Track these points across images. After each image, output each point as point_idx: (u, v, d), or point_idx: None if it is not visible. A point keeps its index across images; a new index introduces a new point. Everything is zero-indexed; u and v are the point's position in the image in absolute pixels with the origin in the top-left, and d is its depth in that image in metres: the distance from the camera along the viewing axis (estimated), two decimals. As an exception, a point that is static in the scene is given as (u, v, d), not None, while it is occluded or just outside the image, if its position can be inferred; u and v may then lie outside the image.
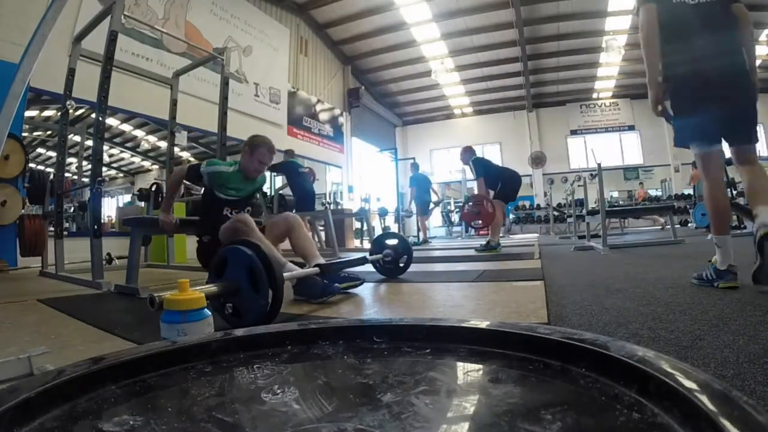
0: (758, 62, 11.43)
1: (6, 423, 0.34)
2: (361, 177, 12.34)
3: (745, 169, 1.73)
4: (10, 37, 4.11)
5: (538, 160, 14.12)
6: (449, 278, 2.58)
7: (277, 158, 8.81)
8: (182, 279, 0.96)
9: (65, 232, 3.28)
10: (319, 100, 10.47)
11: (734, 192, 6.93)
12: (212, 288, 1.26)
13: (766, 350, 0.87)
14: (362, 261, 2.27)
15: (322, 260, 2.01)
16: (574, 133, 14.09)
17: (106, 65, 2.45)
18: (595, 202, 4.93)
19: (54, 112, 6.75)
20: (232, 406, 0.41)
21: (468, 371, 0.48)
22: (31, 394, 0.37)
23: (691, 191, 10.06)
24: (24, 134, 5.03)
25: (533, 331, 0.48)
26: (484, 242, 4.72)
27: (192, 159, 10.63)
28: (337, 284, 1.88)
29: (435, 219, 12.59)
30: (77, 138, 6.09)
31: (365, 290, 2.09)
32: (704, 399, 0.29)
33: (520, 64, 11.51)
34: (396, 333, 0.56)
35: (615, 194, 13.30)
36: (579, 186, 6.15)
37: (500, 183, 4.67)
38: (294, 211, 5.62)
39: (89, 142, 4.84)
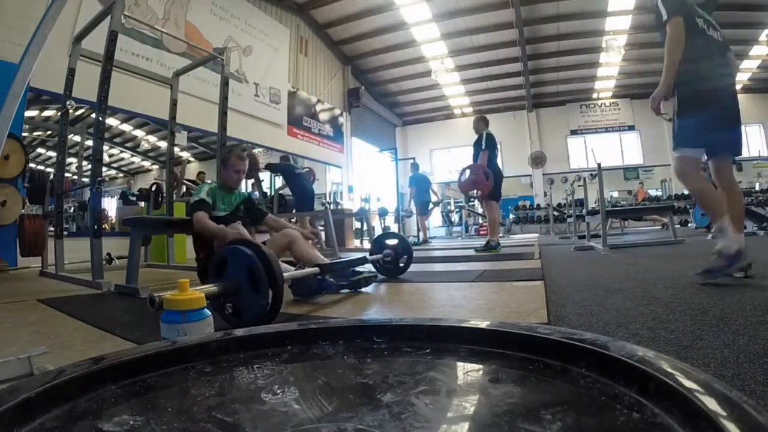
0: (758, 63, 11.51)
1: (6, 423, 0.33)
2: (361, 177, 12.34)
3: (728, 188, 1.95)
4: (10, 37, 4.11)
5: (538, 160, 14.12)
6: (449, 278, 2.58)
7: (276, 158, 8.80)
8: (182, 279, 0.96)
9: (65, 232, 3.28)
10: (319, 100, 10.47)
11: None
12: (212, 288, 1.26)
13: (766, 350, 0.87)
14: (362, 261, 2.27)
15: (325, 260, 2.03)
16: (574, 133, 14.09)
17: (106, 65, 2.45)
18: (595, 202, 4.93)
19: (54, 112, 6.74)
20: (232, 406, 0.41)
21: (468, 371, 0.48)
22: (31, 394, 0.37)
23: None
24: (24, 134, 5.04)
25: (533, 331, 0.48)
26: (484, 242, 4.72)
27: (192, 159, 10.65)
28: (339, 282, 1.89)
29: (435, 219, 12.59)
30: (77, 138, 6.08)
31: (365, 290, 2.09)
32: (704, 399, 0.29)
33: (520, 64, 11.51)
34: (396, 333, 0.56)
35: (615, 194, 13.30)
36: (579, 186, 6.15)
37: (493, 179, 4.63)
38: (294, 211, 5.63)
39: (89, 142, 4.84)
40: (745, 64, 11.72)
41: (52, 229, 3.65)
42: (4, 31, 4.21)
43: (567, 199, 8.56)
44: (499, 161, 4.90)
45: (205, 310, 0.97)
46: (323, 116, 10.57)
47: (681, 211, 10.60)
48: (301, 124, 9.59)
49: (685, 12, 1.87)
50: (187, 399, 0.43)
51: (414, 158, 9.88)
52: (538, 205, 13.64)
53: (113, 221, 8.79)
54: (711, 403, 0.28)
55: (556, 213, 10.38)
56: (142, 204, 6.02)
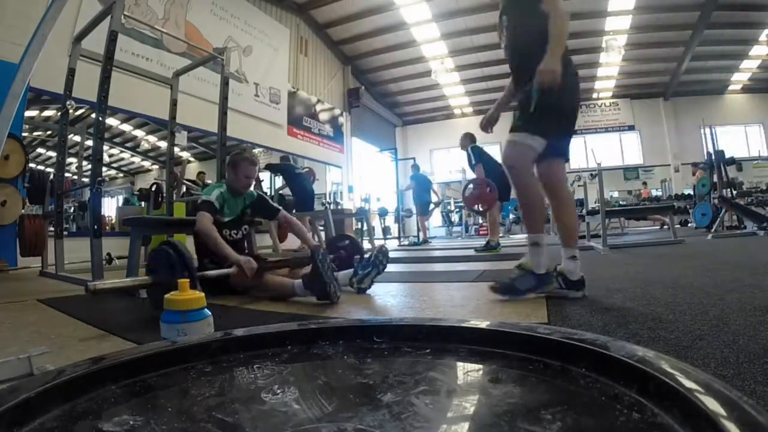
0: (758, 63, 11.52)
1: (6, 423, 0.34)
2: (361, 177, 12.34)
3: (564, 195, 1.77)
4: (10, 37, 4.11)
5: (538, 160, 14.11)
6: (449, 278, 2.58)
7: (276, 158, 8.80)
8: (182, 279, 0.96)
9: (65, 232, 3.28)
10: (319, 100, 10.47)
11: (734, 192, 6.95)
12: (146, 279, 1.62)
13: (766, 350, 0.87)
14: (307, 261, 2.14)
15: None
16: (574, 133, 14.08)
17: (106, 65, 2.45)
18: (596, 202, 4.93)
19: (54, 112, 6.74)
20: (232, 406, 0.41)
21: (468, 371, 0.48)
22: (31, 394, 0.37)
23: (690, 191, 10.07)
24: (24, 134, 5.03)
25: (533, 331, 0.48)
26: (484, 242, 4.72)
27: (192, 159, 10.65)
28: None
29: (435, 219, 12.59)
30: (77, 138, 6.08)
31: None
32: (704, 399, 0.29)
33: (520, 64, 11.50)
34: (396, 333, 0.56)
35: (615, 194, 13.30)
36: (579, 186, 6.15)
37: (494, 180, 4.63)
38: (294, 210, 5.63)
39: (89, 142, 4.84)
40: (745, 64, 11.72)
41: (52, 229, 3.65)
42: (4, 31, 4.21)
43: (567, 199, 8.54)
44: (498, 164, 4.90)
45: (205, 310, 0.97)
46: (323, 116, 10.57)
47: (681, 211, 10.60)
48: (301, 124, 9.59)
49: None
50: (187, 399, 0.43)
51: (414, 158, 9.89)
52: (538, 205, 13.62)
53: (113, 221, 8.80)
54: (711, 403, 0.28)
55: (556, 213, 10.35)
56: (142, 204, 6.02)
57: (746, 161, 11.31)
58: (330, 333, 0.57)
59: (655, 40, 10.57)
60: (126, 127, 10.33)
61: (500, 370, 0.45)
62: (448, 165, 14.50)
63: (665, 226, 9.39)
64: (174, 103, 3.60)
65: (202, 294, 0.97)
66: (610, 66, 11.99)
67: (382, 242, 2.16)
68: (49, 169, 6.60)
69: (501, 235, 5.10)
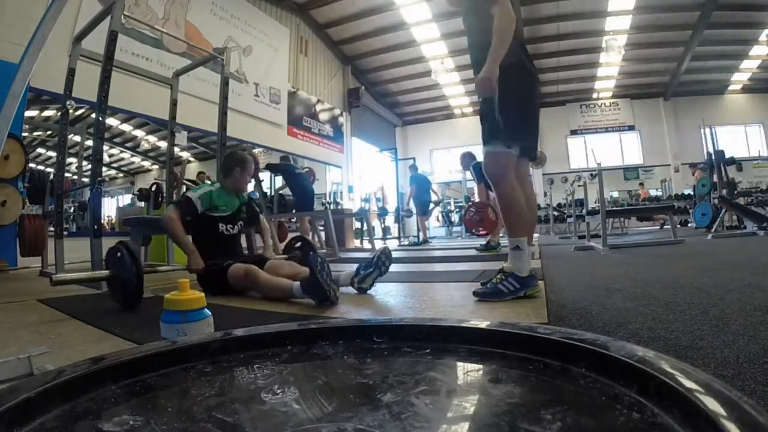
0: (758, 63, 11.53)
1: (6, 423, 0.33)
2: (361, 177, 12.35)
3: (529, 194, 1.86)
4: (10, 37, 4.11)
5: (538, 160, 14.11)
6: (449, 278, 2.58)
7: (276, 157, 8.79)
8: (182, 279, 0.96)
9: (65, 232, 3.28)
10: (319, 100, 10.47)
11: (734, 192, 6.95)
12: (104, 272, 1.93)
13: (766, 350, 0.87)
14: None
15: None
16: (574, 133, 14.09)
17: (106, 65, 2.45)
18: (596, 202, 4.93)
19: (54, 112, 6.74)
20: (232, 406, 0.41)
21: (468, 371, 0.48)
22: (31, 394, 0.37)
23: (690, 191, 10.07)
24: (24, 134, 5.03)
25: (533, 331, 0.48)
26: (484, 242, 4.72)
27: (192, 159, 10.65)
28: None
29: (435, 219, 12.59)
30: (77, 138, 6.08)
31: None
32: (704, 399, 0.29)
33: (520, 64, 11.50)
34: (396, 333, 0.56)
35: (615, 194, 13.31)
36: (579, 186, 6.15)
37: None
38: (294, 211, 5.63)
39: (89, 142, 4.84)
40: (745, 64, 11.73)
41: (52, 229, 3.65)
42: (4, 31, 4.21)
43: (567, 199, 8.57)
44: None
45: (205, 310, 0.96)
46: (323, 116, 10.58)
47: (681, 211, 10.60)
48: (301, 124, 9.59)
49: None
50: (187, 399, 0.43)
51: (414, 159, 9.89)
52: (538, 205, 13.64)
53: (113, 221, 8.80)
54: (711, 403, 0.28)
55: (556, 213, 10.38)
56: (142, 204, 6.02)
57: (746, 161, 11.31)
58: (330, 333, 0.57)
59: (655, 40, 10.58)
60: (126, 127, 10.34)
61: (500, 370, 0.45)
62: (447, 165, 14.51)
63: (665, 226, 9.40)
64: (174, 103, 3.60)
65: (202, 294, 0.97)
66: (610, 66, 12.00)
67: (385, 244, 2.13)
68: (49, 169, 6.60)
69: (501, 235, 5.10)
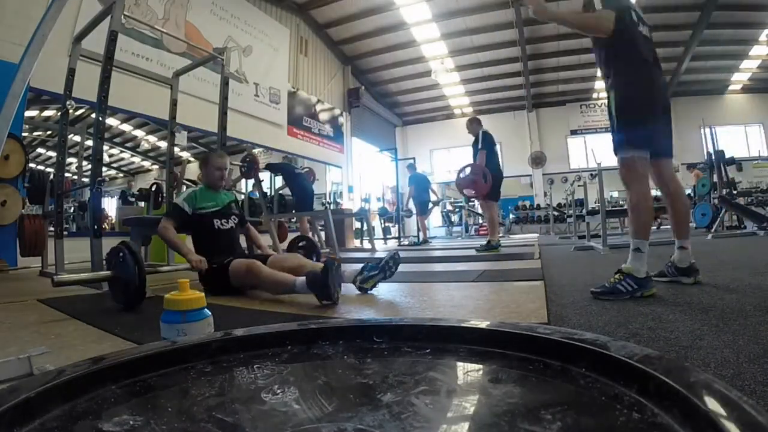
0: (758, 63, 11.52)
1: (6, 423, 0.33)
2: (361, 177, 12.35)
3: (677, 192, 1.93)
4: (10, 37, 4.11)
5: (538, 160, 14.12)
6: (449, 278, 2.58)
7: (276, 157, 8.80)
8: (182, 279, 0.96)
9: (65, 232, 3.28)
10: (319, 100, 10.47)
11: (734, 192, 6.95)
12: (107, 273, 1.92)
13: (766, 350, 0.87)
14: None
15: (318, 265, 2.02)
16: (574, 133, 14.09)
17: (106, 65, 2.45)
18: (596, 202, 4.93)
19: (54, 112, 6.73)
20: (232, 406, 0.41)
21: (468, 371, 0.48)
22: (31, 394, 0.37)
23: (690, 191, 10.07)
24: (24, 134, 5.03)
25: (533, 331, 0.48)
26: (485, 242, 4.72)
27: (192, 159, 10.64)
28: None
29: (435, 219, 12.60)
30: (77, 138, 6.08)
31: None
32: (704, 399, 0.29)
33: (520, 64, 11.51)
34: (396, 333, 0.56)
35: (615, 194, 13.31)
36: (579, 186, 6.15)
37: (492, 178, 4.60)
38: (293, 211, 5.63)
39: (89, 142, 4.84)
40: (745, 64, 11.72)
41: (52, 229, 3.65)
42: (4, 31, 4.21)
43: (567, 199, 8.57)
44: (499, 161, 4.89)
45: (205, 310, 0.96)
46: (323, 116, 10.58)
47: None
48: (301, 124, 9.59)
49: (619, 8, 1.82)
50: (187, 399, 0.43)
51: (414, 159, 9.89)
52: (538, 205, 13.64)
53: (113, 221, 8.79)
54: (711, 403, 0.28)
55: (556, 213, 10.38)
56: (142, 204, 6.02)
57: (746, 161, 11.32)
58: (330, 333, 0.57)
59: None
60: (126, 127, 10.33)
61: (500, 370, 0.45)
62: (447, 165, 14.51)
63: (662, 226, 9.39)
64: (174, 103, 3.60)
65: (202, 294, 0.97)
66: (610, 66, 11.98)
67: (396, 249, 2.10)
68: (49, 169, 6.60)
69: (501, 235, 5.10)
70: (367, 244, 6.75)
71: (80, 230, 6.47)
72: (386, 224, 10.89)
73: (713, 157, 6.86)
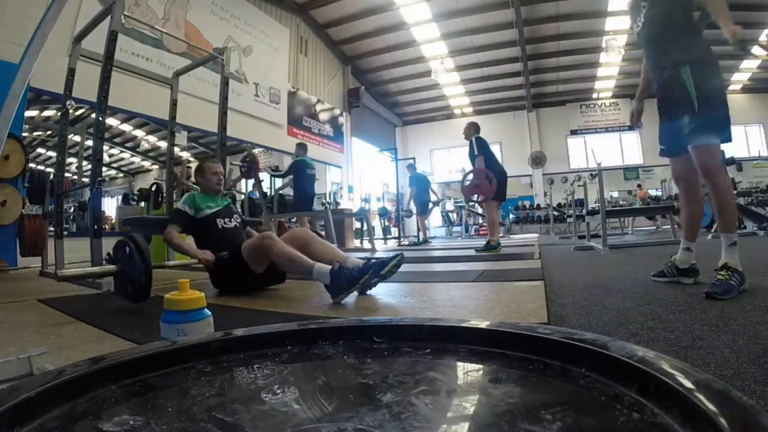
0: (758, 63, 11.52)
1: (6, 423, 0.33)
2: (361, 177, 12.35)
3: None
4: (10, 37, 4.11)
5: (538, 160, 14.13)
6: (449, 278, 2.58)
7: (276, 157, 8.78)
8: (182, 279, 0.96)
9: (65, 232, 3.28)
10: (319, 100, 10.47)
11: (734, 192, 6.94)
12: (113, 267, 1.87)
13: (766, 350, 0.87)
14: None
15: (357, 260, 1.97)
16: (574, 133, 14.09)
17: (106, 65, 2.45)
18: (596, 202, 4.93)
19: (54, 112, 6.74)
20: (232, 406, 0.41)
21: (468, 371, 0.48)
22: (31, 394, 0.37)
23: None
24: (24, 134, 5.04)
25: (533, 331, 0.48)
26: (485, 242, 4.72)
27: (192, 159, 10.65)
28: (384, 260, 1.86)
29: (435, 219, 12.60)
30: (77, 138, 6.08)
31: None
32: (704, 399, 0.29)
33: (520, 64, 11.51)
34: (396, 333, 0.56)
35: (615, 194, 13.31)
36: (579, 186, 6.15)
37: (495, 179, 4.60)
38: (293, 210, 5.63)
39: (89, 142, 4.84)
40: (745, 64, 11.72)
41: (52, 229, 3.65)
42: (4, 31, 4.21)
43: (567, 199, 8.57)
44: (498, 162, 4.88)
45: (205, 310, 0.96)
46: (323, 116, 10.58)
47: (681, 211, 10.59)
48: (301, 124, 9.60)
49: None
50: (187, 399, 0.43)
51: (414, 159, 9.89)
52: (538, 205, 13.64)
53: (113, 221, 8.79)
54: (711, 403, 0.28)
55: (556, 213, 10.38)
56: (142, 204, 6.03)
57: (746, 161, 11.33)
58: (330, 333, 0.57)
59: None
60: (126, 127, 10.34)
61: (500, 370, 0.45)
62: (448, 165, 14.52)
63: (662, 227, 9.40)
64: (174, 103, 3.60)
65: (202, 294, 0.97)
66: (610, 66, 12.00)
67: (400, 252, 2.01)
68: (49, 169, 6.61)
69: (501, 235, 5.10)
70: (367, 244, 6.74)
71: (80, 230, 6.47)
72: (386, 224, 10.90)
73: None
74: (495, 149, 15.21)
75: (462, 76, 12.61)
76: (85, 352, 1.13)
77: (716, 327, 1.07)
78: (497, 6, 9.44)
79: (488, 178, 4.44)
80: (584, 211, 5.41)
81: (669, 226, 5.87)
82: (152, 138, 10.98)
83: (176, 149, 4.10)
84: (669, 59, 1.73)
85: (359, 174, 12.28)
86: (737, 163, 7.62)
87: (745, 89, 13.00)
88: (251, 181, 5.85)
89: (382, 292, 2.02)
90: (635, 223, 10.21)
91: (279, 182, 6.91)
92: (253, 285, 2.20)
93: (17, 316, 1.71)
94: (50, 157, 9.54)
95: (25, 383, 0.40)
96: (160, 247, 4.27)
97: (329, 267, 1.78)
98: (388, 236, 10.39)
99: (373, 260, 1.87)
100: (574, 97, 13.88)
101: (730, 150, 7.71)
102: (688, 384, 0.31)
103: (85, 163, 6.03)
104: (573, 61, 11.78)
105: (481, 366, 0.47)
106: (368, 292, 1.99)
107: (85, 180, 5.28)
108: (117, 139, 10.99)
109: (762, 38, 10.03)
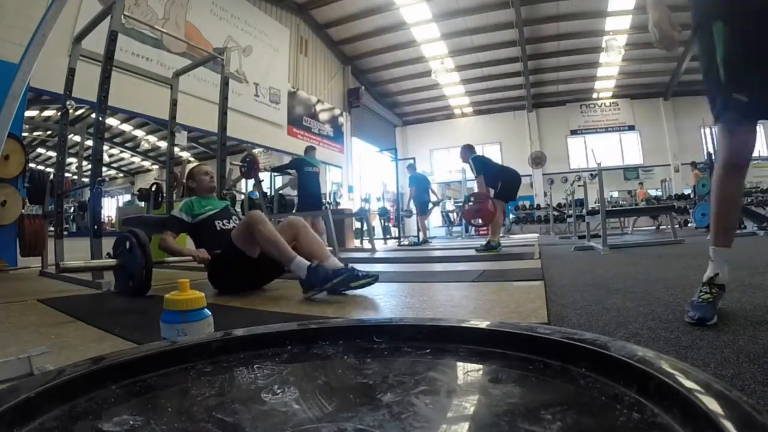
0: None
1: (6, 423, 0.33)
2: (361, 177, 12.35)
3: None
4: (10, 37, 4.11)
5: (538, 160, 14.13)
6: (449, 278, 2.58)
7: (276, 157, 8.79)
8: (182, 279, 0.95)
9: (65, 232, 3.28)
10: (319, 100, 10.48)
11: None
12: (113, 261, 1.96)
13: (766, 350, 0.87)
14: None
15: (338, 262, 1.99)
16: (574, 133, 14.09)
17: (106, 65, 2.45)
18: (596, 202, 4.93)
19: (54, 112, 6.75)
20: (232, 406, 0.41)
21: (468, 371, 0.48)
22: (31, 394, 0.37)
23: (690, 191, 10.07)
24: (24, 134, 5.05)
25: (533, 331, 0.48)
26: (485, 242, 4.72)
27: (192, 159, 10.65)
28: (358, 273, 1.85)
29: (435, 219, 12.60)
30: (77, 138, 6.09)
31: (364, 290, 2.08)
32: (704, 399, 0.29)
33: (520, 64, 11.52)
34: (396, 333, 0.56)
35: (615, 194, 13.31)
36: (579, 186, 6.15)
37: (500, 182, 4.64)
38: (294, 210, 5.62)
39: (89, 142, 4.84)
40: (745, 64, 11.71)
41: (52, 229, 3.65)
42: (4, 31, 4.21)
43: (567, 199, 8.57)
44: (499, 161, 4.90)
45: (205, 310, 0.96)
46: (323, 116, 10.58)
47: (681, 211, 10.61)
48: (301, 124, 9.60)
49: None
50: (187, 399, 0.43)
51: (414, 159, 9.89)
52: (538, 205, 13.64)
53: (113, 221, 8.80)
54: (711, 403, 0.28)
55: (556, 213, 10.38)
56: (142, 204, 6.02)
57: (746, 161, 11.29)
58: (330, 333, 0.57)
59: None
60: (126, 127, 10.34)
61: (500, 370, 0.45)
62: (447, 165, 14.52)
63: (662, 227, 9.41)
64: (174, 103, 3.60)
65: (202, 294, 0.97)
66: (610, 66, 12.00)
67: (348, 266, 1.95)
68: (49, 169, 6.60)
69: (501, 235, 5.09)
70: (367, 244, 6.74)
71: (80, 230, 6.48)
72: (386, 224, 10.90)
73: (713, 157, 6.86)
74: (495, 149, 15.20)
75: (462, 76, 12.62)
76: (85, 352, 1.13)
77: (716, 327, 1.07)
78: (497, 6, 9.44)
79: (490, 202, 4.48)
80: (584, 211, 5.41)
81: (669, 226, 5.87)
82: (152, 138, 10.99)
83: (176, 149, 4.10)
84: None
85: (359, 174, 12.29)
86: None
87: (745, 89, 12.98)
88: (251, 181, 5.85)
89: (383, 292, 2.02)
90: (637, 224, 10.22)
91: (279, 182, 6.91)
92: (251, 276, 2.19)
93: (17, 316, 1.71)
94: (50, 157, 9.55)
95: (25, 383, 0.40)
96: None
97: (308, 263, 1.82)
98: (388, 236, 10.39)
99: (351, 267, 1.89)
100: (574, 97, 13.88)
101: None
102: (688, 384, 0.31)
103: (85, 163, 6.03)
104: (573, 61, 11.79)
105: (481, 366, 0.47)
106: (368, 291, 1.99)
107: (85, 180, 5.28)
108: (117, 139, 11.00)
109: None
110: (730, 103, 1.18)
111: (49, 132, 8.41)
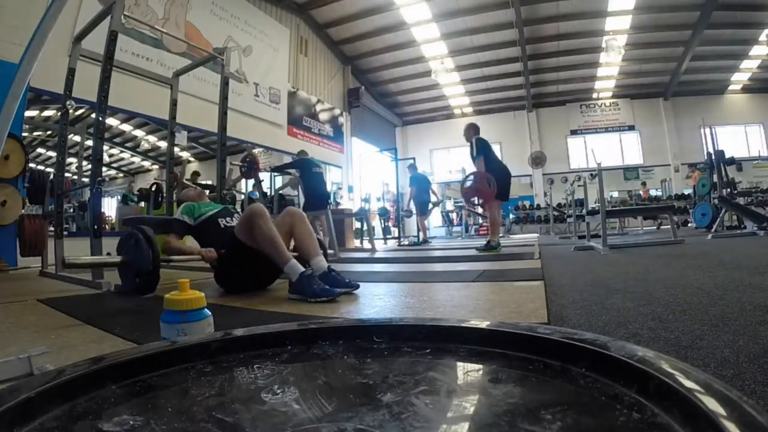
0: (758, 63, 11.52)
1: (6, 423, 0.33)
2: (361, 177, 12.34)
3: None
4: (10, 37, 4.11)
5: (538, 160, 14.13)
6: (449, 278, 2.58)
7: (276, 157, 8.80)
8: (182, 279, 0.95)
9: (65, 232, 3.28)
10: (319, 100, 10.48)
11: (734, 192, 6.95)
12: (118, 258, 1.95)
13: (766, 350, 0.87)
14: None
15: (324, 262, 2.02)
16: (574, 133, 14.10)
17: (106, 65, 2.45)
18: (596, 202, 4.93)
19: (54, 112, 6.75)
20: (232, 406, 0.41)
21: (468, 371, 0.48)
22: (31, 394, 0.37)
23: (690, 191, 10.07)
24: (24, 134, 5.04)
25: (533, 331, 0.48)
26: (485, 242, 4.72)
27: (192, 159, 10.65)
28: (337, 289, 1.87)
29: (435, 219, 12.60)
30: (77, 138, 6.09)
31: (364, 290, 2.08)
32: (704, 399, 0.29)
33: (520, 64, 11.52)
34: (396, 333, 0.56)
35: (615, 194, 13.31)
36: (579, 186, 6.15)
37: (495, 181, 4.59)
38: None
39: (89, 142, 4.84)
40: (744, 64, 11.73)
41: (52, 229, 3.65)
42: (4, 31, 4.21)
43: (567, 199, 8.57)
44: (500, 162, 4.87)
45: (205, 310, 0.96)
46: (323, 116, 10.58)
47: (681, 211, 10.61)
48: (301, 124, 9.60)
49: None
50: (187, 399, 0.43)
51: (414, 158, 9.89)
52: (538, 205, 13.65)
53: (113, 221, 8.80)
54: (711, 403, 0.28)
55: (556, 213, 10.38)
56: (142, 204, 6.03)
57: (746, 161, 11.33)
58: (330, 333, 0.57)
59: (655, 40, 10.59)
60: (126, 127, 10.34)
61: (500, 370, 0.45)
62: (447, 165, 14.52)
63: (662, 226, 9.41)
64: (174, 103, 3.60)
65: (202, 294, 0.97)
66: (610, 66, 12.01)
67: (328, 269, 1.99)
68: (49, 169, 6.60)
69: (501, 235, 5.09)
70: (367, 244, 6.74)
71: (80, 230, 6.47)
72: (386, 224, 10.90)
73: (713, 157, 6.86)
74: (495, 149, 15.23)
75: (462, 76, 12.62)
76: (85, 352, 1.13)
77: (716, 327, 1.07)
78: (497, 6, 9.44)
79: (488, 182, 4.43)
80: (584, 211, 5.41)
81: (668, 226, 5.87)
82: (152, 138, 10.98)
83: (176, 149, 4.10)
84: None
85: (359, 174, 12.28)
86: (737, 163, 7.62)
87: (745, 89, 13.01)
88: (251, 181, 5.85)
89: (383, 292, 2.02)
90: (631, 224, 10.22)
91: (279, 182, 6.91)
92: (255, 271, 2.19)
93: (17, 316, 1.71)
94: (50, 157, 9.55)
95: (25, 383, 0.40)
96: (161, 244, 4.26)
97: (302, 269, 1.86)
98: (388, 236, 10.39)
99: (334, 273, 1.95)
100: (574, 97, 13.89)
101: (730, 150, 7.73)
102: (688, 384, 0.31)
103: (85, 163, 6.03)
104: (573, 61, 11.79)
105: (481, 366, 0.47)
106: (368, 291, 1.99)
107: (85, 180, 5.28)
108: (117, 139, 10.99)
109: (762, 38, 10.02)
110: None
111: (49, 132, 8.41)
